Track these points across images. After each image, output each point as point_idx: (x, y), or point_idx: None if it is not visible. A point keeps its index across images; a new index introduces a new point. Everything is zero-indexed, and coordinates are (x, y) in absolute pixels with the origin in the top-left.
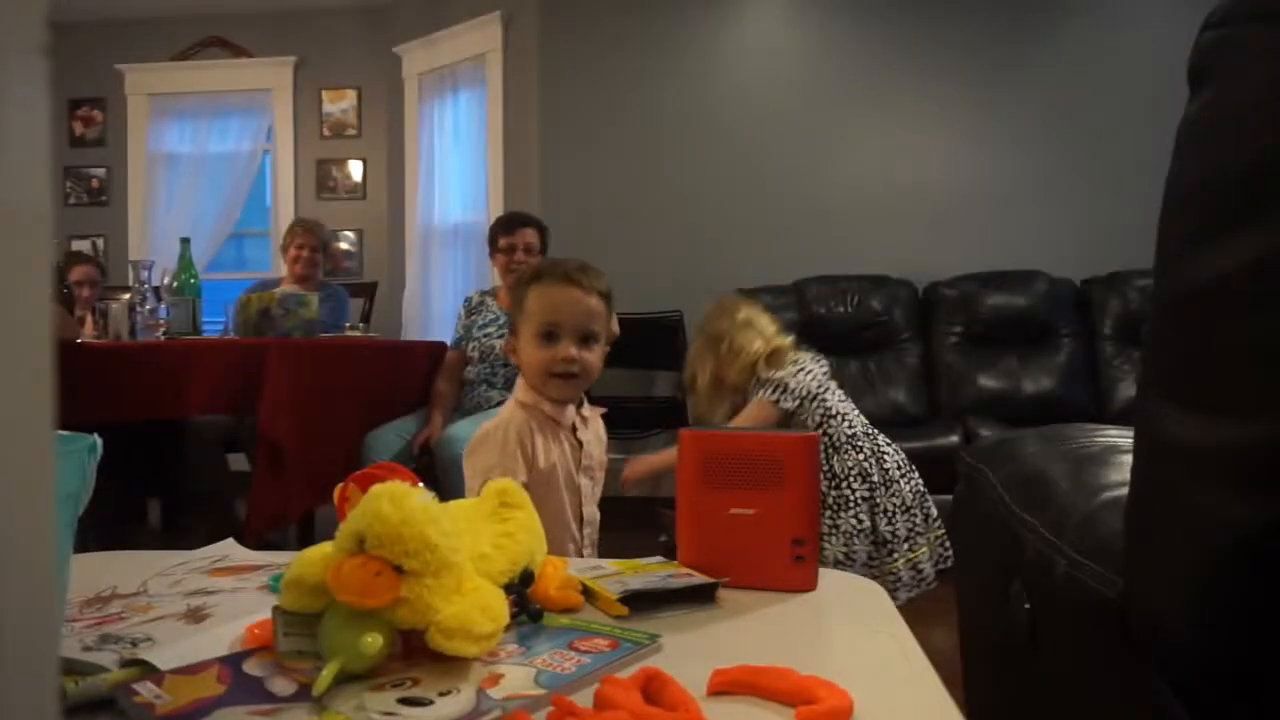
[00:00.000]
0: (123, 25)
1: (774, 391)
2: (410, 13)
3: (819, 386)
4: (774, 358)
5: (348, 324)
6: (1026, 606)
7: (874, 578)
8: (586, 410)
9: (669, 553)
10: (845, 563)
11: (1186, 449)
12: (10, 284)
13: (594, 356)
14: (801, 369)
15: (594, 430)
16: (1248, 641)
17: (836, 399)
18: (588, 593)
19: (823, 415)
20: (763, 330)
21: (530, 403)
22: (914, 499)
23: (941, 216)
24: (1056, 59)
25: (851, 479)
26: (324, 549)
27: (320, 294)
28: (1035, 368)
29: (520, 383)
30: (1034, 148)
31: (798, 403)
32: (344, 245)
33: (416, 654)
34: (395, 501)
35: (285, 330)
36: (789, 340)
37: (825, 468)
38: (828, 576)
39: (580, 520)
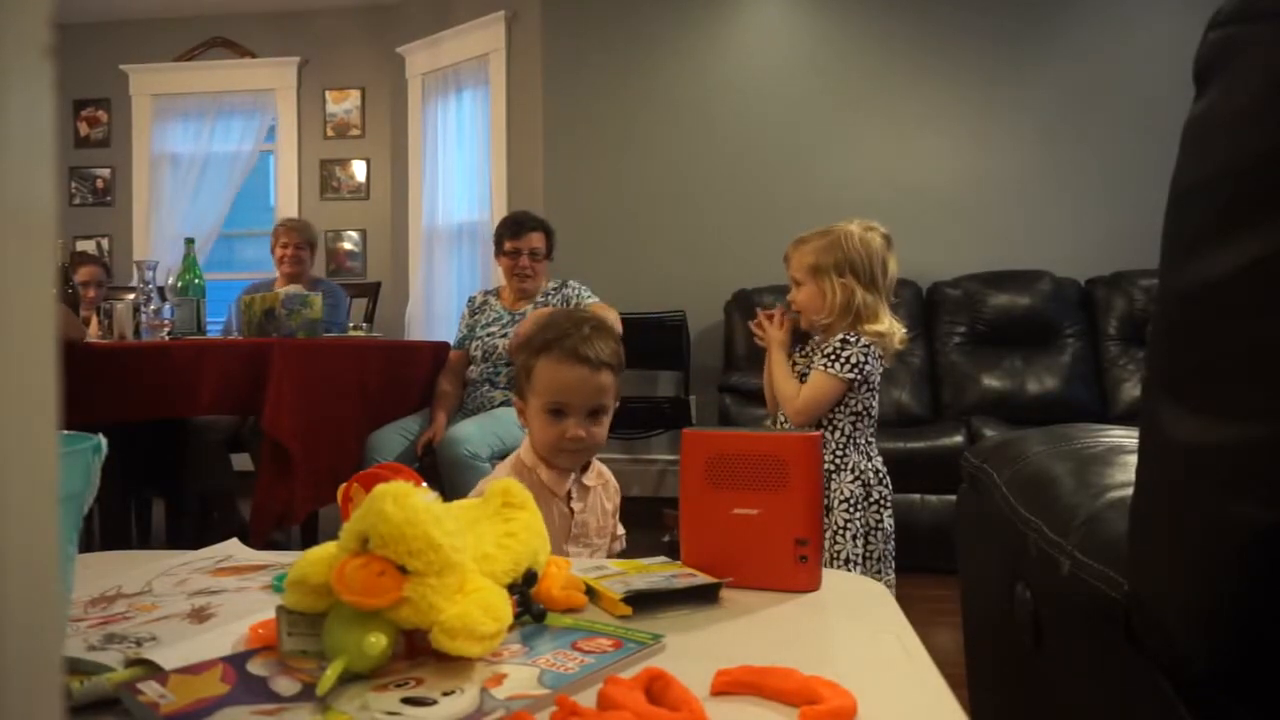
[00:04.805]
0: (127, 26)
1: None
2: (414, 13)
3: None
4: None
5: (352, 325)
6: (1031, 607)
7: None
8: (590, 478)
9: (672, 552)
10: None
11: (1189, 449)
12: (15, 284)
13: (602, 428)
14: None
15: (595, 498)
16: (1250, 642)
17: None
18: (591, 593)
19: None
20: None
21: (529, 465)
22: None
23: (945, 216)
24: (1060, 58)
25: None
26: (328, 549)
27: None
28: (1039, 368)
29: (526, 442)
30: (1038, 147)
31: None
32: (347, 245)
33: (420, 654)
34: (399, 501)
35: (289, 330)
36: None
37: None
38: (831, 577)
39: None
